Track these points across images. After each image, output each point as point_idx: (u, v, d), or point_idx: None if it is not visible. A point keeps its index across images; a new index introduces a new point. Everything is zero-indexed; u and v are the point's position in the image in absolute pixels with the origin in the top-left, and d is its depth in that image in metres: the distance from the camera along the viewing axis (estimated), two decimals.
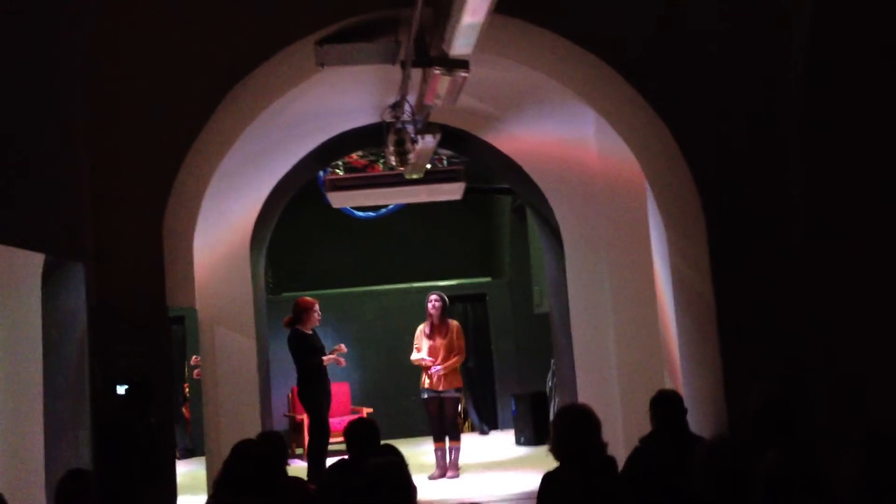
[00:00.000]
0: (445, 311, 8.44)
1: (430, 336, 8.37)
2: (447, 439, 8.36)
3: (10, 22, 3.96)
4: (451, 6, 3.79)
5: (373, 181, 8.82)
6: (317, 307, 7.90)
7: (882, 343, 4.56)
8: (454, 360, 8.35)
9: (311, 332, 7.86)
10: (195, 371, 8.36)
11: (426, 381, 8.31)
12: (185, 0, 4.87)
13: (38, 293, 4.80)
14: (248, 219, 7.75)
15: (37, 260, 4.70)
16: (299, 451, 10.08)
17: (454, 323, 8.55)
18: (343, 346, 8.24)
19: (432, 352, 8.29)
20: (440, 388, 8.25)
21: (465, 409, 11.88)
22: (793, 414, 3.85)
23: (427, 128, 6.27)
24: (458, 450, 8.39)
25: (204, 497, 6.14)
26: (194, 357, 8.33)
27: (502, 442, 10.72)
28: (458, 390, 8.41)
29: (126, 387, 4.54)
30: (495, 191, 10.93)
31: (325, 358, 7.85)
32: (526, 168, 7.64)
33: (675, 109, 4.86)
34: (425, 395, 8.31)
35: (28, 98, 4.19)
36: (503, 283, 12.23)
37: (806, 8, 4.47)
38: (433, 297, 8.48)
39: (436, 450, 8.32)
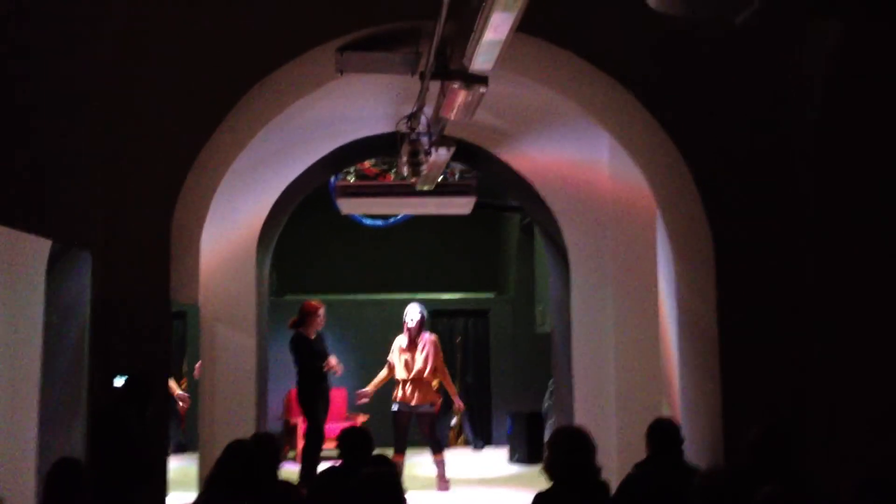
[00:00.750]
0: (423, 325, 8.40)
1: (407, 350, 8.32)
2: (431, 454, 8.28)
3: (28, 10, 3.98)
4: (474, 22, 3.80)
5: (383, 190, 8.82)
6: (322, 312, 7.91)
7: (888, 381, 4.54)
8: (439, 379, 8.35)
9: (314, 336, 7.86)
10: (196, 367, 8.37)
11: (399, 394, 8.25)
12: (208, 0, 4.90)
13: (42, 278, 4.81)
14: (256, 219, 7.76)
15: (43, 245, 4.71)
16: (292, 454, 10.06)
17: (432, 337, 8.50)
18: (340, 369, 8.13)
19: (407, 367, 8.26)
20: (413, 403, 8.19)
21: (459, 424, 11.85)
22: (792, 448, 3.84)
23: (441, 140, 6.28)
24: (443, 462, 8.32)
25: (194, 494, 6.13)
26: (196, 367, 8.34)
27: (495, 459, 10.70)
28: (432, 405, 8.30)
29: (124, 378, 4.53)
30: (505, 208, 10.95)
31: (330, 364, 7.82)
32: (537, 187, 7.64)
33: (688, 135, 4.86)
34: (396, 408, 8.23)
35: (44, 86, 4.21)
36: (506, 300, 12.22)
37: (827, 33, 4.48)
38: (413, 311, 8.38)
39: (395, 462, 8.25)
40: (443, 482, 8.28)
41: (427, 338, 8.39)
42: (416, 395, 8.20)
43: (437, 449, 8.30)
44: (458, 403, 8.70)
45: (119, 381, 4.52)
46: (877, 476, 3.07)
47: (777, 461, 3.78)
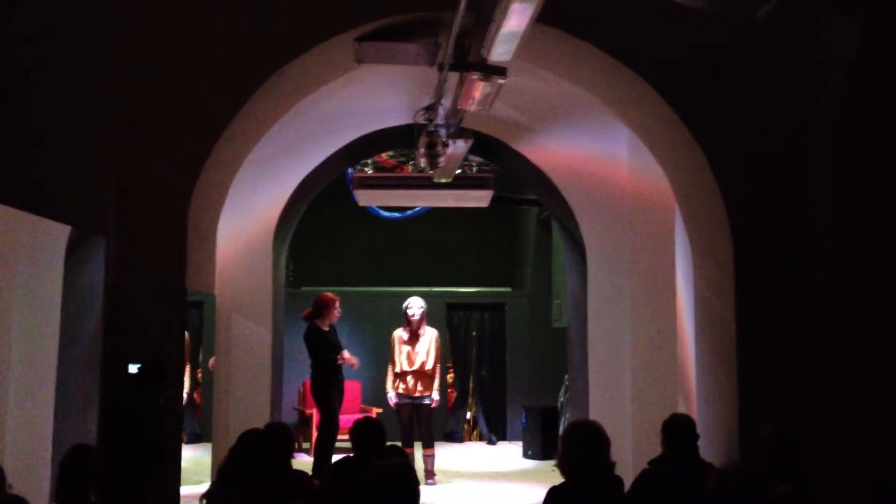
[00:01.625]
0: (425, 318, 8.42)
1: (408, 342, 8.33)
2: (422, 447, 8.20)
3: None
4: (493, 12, 3.77)
5: (401, 182, 8.81)
6: (338, 304, 7.91)
7: None
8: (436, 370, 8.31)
9: (328, 328, 7.87)
10: (210, 361, 8.42)
11: (400, 386, 8.25)
12: None
13: (61, 265, 4.82)
14: (273, 210, 7.77)
15: (62, 232, 4.71)
16: (306, 445, 10.09)
17: (433, 330, 8.49)
18: (356, 362, 8.10)
19: (410, 359, 8.26)
20: (415, 394, 8.19)
21: (474, 418, 11.85)
22: (803, 452, 3.80)
23: (459, 132, 6.25)
24: (432, 457, 8.28)
25: (208, 483, 6.15)
26: (211, 360, 8.38)
27: (509, 453, 10.68)
28: (431, 398, 8.26)
29: (139, 366, 4.54)
30: (522, 201, 10.91)
31: (343, 357, 7.81)
32: (555, 181, 7.61)
33: (709, 131, 4.82)
34: (398, 401, 8.23)
35: (62, 72, 4.21)
36: (523, 295, 12.19)
37: (850, 31, 4.43)
38: (418, 304, 8.38)
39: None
40: (430, 477, 8.21)
41: (429, 331, 8.39)
42: (418, 387, 8.21)
43: (430, 443, 8.27)
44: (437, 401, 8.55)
45: (133, 369, 4.53)
46: (890, 476, 3.03)
47: (787, 462, 3.74)
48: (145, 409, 4.44)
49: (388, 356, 8.57)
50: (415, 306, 8.37)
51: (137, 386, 4.51)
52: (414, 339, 8.32)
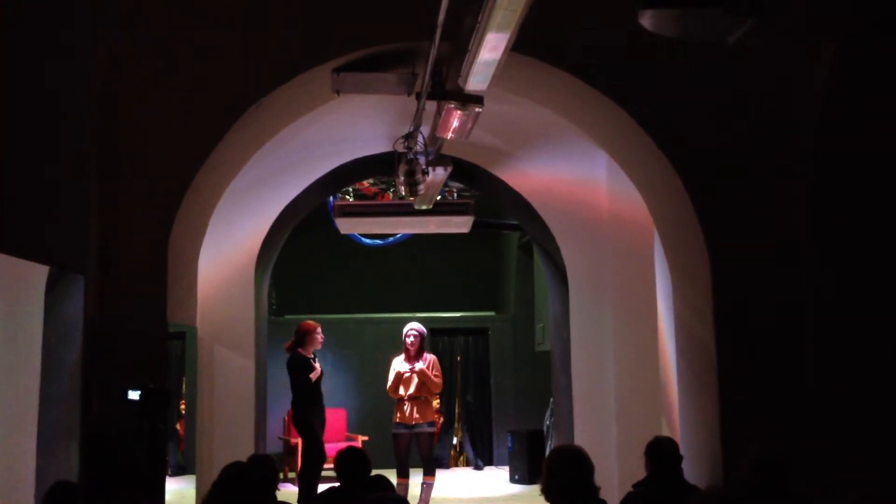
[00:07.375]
0: (423, 344, 8.34)
1: (407, 369, 8.26)
2: (422, 474, 8.05)
3: (22, 35, 4.00)
4: (468, 42, 3.82)
5: (382, 210, 8.82)
6: (319, 331, 7.87)
7: (883, 403, 4.53)
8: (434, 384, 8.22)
9: (311, 356, 7.84)
10: None
11: (398, 415, 8.11)
12: (205, 20, 4.91)
13: (41, 301, 4.80)
14: (255, 239, 7.77)
15: (42, 268, 4.70)
16: (292, 475, 10.02)
17: (431, 356, 8.40)
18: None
19: (407, 384, 8.19)
20: (412, 423, 8.01)
21: (460, 443, 11.82)
22: (788, 472, 3.82)
23: (439, 160, 6.29)
24: (431, 485, 8.09)
25: None
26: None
27: (496, 478, 10.65)
28: (430, 424, 8.07)
29: (139, 392, 4.48)
30: (503, 226, 10.96)
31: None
32: (535, 206, 7.65)
33: (685, 154, 4.87)
34: (395, 430, 8.04)
35: (38, 111, 4.21)
36: (506, 319, 12.21)
37: (823, 60, 4.51)
38: (413, 330, 8.26)
39: (398, 485, 7.88)
40: None
41: (427, 357, 8.33)
42: (415, 414, 8.11)
43: (431, 471, 8.12)
44: None
45: (134, 395, 4.47)
46: (872, 494, 3.05)
47: (772, 482, 3.76)
48: (133, 441, 4.40)
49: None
50: (409, 334, 8.27)
51: (139, 413, 4.44)
52: (411, 365, 8.25)
